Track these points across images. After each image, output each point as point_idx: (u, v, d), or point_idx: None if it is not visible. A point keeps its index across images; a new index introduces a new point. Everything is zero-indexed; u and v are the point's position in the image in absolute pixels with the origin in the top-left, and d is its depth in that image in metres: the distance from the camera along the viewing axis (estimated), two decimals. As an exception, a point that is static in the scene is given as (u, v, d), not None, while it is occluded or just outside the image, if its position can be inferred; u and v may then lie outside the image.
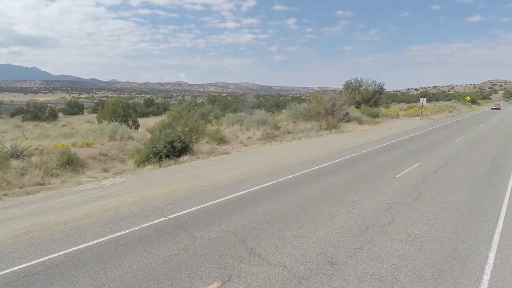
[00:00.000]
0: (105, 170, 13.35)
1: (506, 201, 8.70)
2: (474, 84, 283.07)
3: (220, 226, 7.03)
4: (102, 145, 15.73)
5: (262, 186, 10.26)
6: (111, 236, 6.62)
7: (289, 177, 11.41)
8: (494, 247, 6.09)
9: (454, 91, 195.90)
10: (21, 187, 10.52)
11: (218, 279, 4.99)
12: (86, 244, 6.26)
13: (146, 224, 7.21)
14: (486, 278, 5.07)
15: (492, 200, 8.82)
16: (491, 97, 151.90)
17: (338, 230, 6.82)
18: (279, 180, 11.00)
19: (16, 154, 12.43)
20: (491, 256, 5.75)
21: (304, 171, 12.26)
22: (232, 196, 9.21)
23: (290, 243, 6.21)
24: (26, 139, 17.00)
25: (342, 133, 25.65)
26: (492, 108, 63.05)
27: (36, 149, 13.39)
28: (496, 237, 6.52)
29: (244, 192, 9.61)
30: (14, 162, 11.89)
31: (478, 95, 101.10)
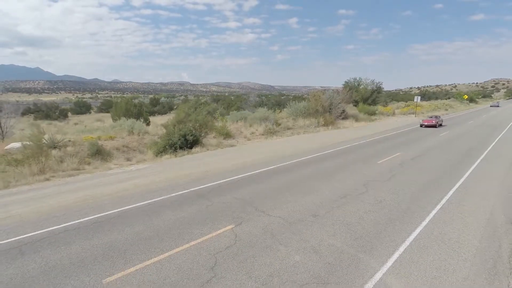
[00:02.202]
0: (128, 159, 15.42)
1: (462, 179, 10.70)
2: (477, 83, 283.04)
3: (232, 195, 9.07)
4: (123, 138, 17.82)
5: (264, 169, 12.31)
6: (149, 201, 8.69)
7: (286, 163, 13.44)
8: (438, 207, 8.10)
9: (457, 89, 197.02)
10: (63, 171, 12.62)
11: (233, 223, 7.04)
12: (131, 206, 8.32)
13: (173, 194, 9.27)
14: (424, 223, 7.08)
15: (452, 179, 10.80)
16: (492, 95, 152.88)
17: (322, 197, 8.86)
18: (278, 165, 13.03)
19: (54, 145, 14.55)
20: (434, 211, 7.77)
21: (300, 159, 14.28)
22: (239, 176, 11.27)
23: (285, 204, 8.25)
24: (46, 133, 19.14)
25: (338, 129, 27.61)
26: (421, 125, 28.64)
27: (69, 141, 15.52)
28: (443, 201, 8.52)
29: (249, 173, 11.66)
30: (53, 152, 14.00)
31: (477, 94, 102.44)
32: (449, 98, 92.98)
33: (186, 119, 18.76)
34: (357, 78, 50.79)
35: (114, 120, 27.33)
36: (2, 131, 19.86)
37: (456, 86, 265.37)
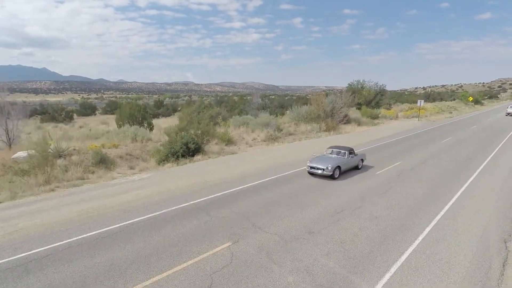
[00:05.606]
0: (131, 168, 15.72)
1: (459, 193, 10.80)
2: (483, 83, 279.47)
3: (230, 209, 9.30)
4: (126, 146, 18.14)
5: (263, 180, 12.51)
6: (150, 215, 8.94)
7: (286, 173, 13.62)
8: (432, 224, 8.23)
9: (463, 89, 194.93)
10: (67, 181, 12.95)
11: (230, 240, 7.26)
12: (133, 220, 8.58)
13: (174, 207, 9.52)
14: (417, 242, 7.23)
15: (449, 191, 10.91)
16: (498, 96, 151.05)
17: (319, 211, 9.04)
18: (278, 176, 13.22)
19: (59, 154, 14.90)
20: (428, 229, 7.91)
21: (299, 169, 14.42)
22: (239, 188, 11.49)
23: (282, 219, 8.45)
24: (52, 140, 19.47)
25: (340, 134, 27.68)
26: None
27: (74, 149, 15.88)
28: (438, 217, 8.65)
29: (248, 185, 11.87)
30: (59, 161, 14.35)
31: (482, 95, 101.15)
32: (454, 99, 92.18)
33: (188, 127, 19.02)
34: (361, 81, 50.84)
35: (119, 125, 27.69)
36: (9, 138, 20.28)
37: (462, 86, 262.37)
